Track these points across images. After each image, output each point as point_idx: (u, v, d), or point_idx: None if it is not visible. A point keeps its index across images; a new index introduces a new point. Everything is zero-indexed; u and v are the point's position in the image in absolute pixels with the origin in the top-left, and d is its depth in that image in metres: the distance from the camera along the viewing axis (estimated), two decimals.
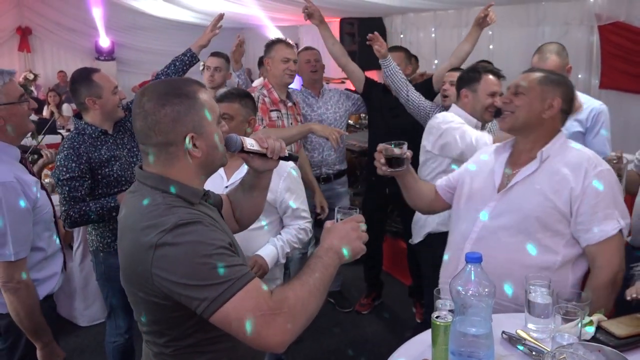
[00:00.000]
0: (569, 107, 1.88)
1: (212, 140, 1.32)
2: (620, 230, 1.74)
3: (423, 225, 2.66)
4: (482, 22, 3.22)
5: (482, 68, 2.64)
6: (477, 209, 1.92)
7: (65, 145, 2.41)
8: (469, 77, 2.63)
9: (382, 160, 1.89)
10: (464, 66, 3.27)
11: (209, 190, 1.44)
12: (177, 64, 2.91)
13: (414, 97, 3.22)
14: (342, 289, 4.01)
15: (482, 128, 2.73)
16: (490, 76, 2.59)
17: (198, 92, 1.31)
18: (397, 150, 1.87)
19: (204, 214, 1.28)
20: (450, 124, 2.53)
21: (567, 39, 5.09)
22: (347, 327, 3.66)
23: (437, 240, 2.55)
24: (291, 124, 3.23)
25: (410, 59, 3.88)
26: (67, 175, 2.34)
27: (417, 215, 2.67)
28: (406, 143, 1.90)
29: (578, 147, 1.88)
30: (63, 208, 2.37)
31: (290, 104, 3.30)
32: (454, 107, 2.69)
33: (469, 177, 2.04)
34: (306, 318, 1.22)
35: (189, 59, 2.93)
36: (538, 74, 1.89)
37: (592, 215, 1.73)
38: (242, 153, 1.47)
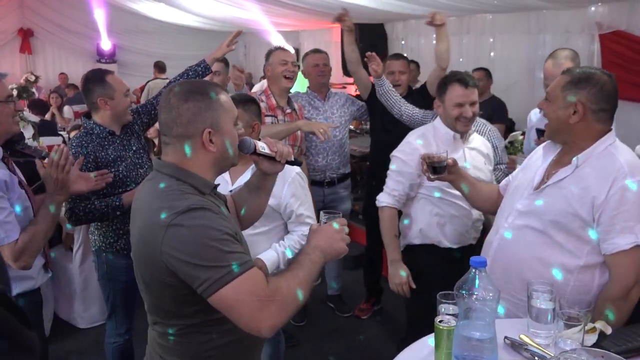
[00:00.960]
0: (603, 105, 1.75)
1: (227, 138, 1.42)
2: (639, 246, 1.65)
3: (403, 236, 2.63)
4: (435, 24, 3.33)
5: (450, 77, 2.50)
6: (512, 206, 1.93)
7: (74, 144, 2.46)
8: (439, 86, 2.54)
9: (425, 167, 2.10)
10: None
11: (218, 184, 1.51)
12: (190, 73, 2.93)
13: (406, 111, 3.23)
14: (341, 293, 4.00)
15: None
16: (457, 85, 2.43)
17: (219, 94, 1.43)
18: (437, 158, 2.09)
19: (213, 204, 1.38)
20: (397, 151, 2.57)
21: (568, 47, 5.10)
22: (346, 332, 3.66)
23: (415, 253, 2.56)
24: None
25: (409, 65, 3.86)
26: (74, 172, 2.35)
27: (400, 223, 2.66)
28: (447, 150, 2.18)
29: (621, 152, 1.76)
30: (68, 205, 2.39)
31: (289, 110, 3.29)
32: (437, 117, 2.61)
33: (521, 172, 2.06)
34: (294, 308, 1.33)
35: (202, 69, 2.96)
36: (564, 78, 1.80)
37: (610, 226, 1.68)
38: (253, 155, 1.57)
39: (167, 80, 7.00)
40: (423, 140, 2.51)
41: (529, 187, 1.90)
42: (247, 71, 10.21)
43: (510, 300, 1.85)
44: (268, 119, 3.18)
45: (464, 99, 2.43)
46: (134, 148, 2.60)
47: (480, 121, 3.18)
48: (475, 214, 2.53)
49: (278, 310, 1.28)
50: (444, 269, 2.42)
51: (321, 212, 1.56)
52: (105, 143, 2.48)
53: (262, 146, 1.55)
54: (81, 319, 3.69)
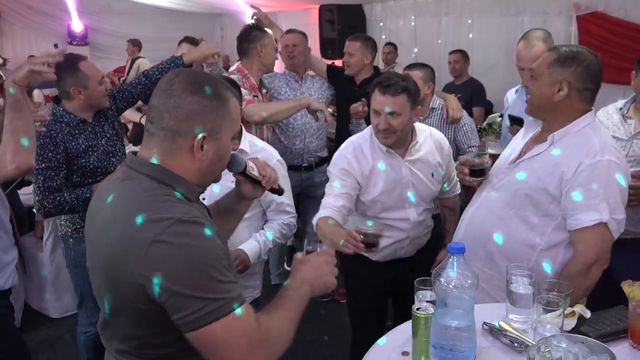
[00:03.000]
0: (588, 84, 1.76)
1: (221, 151, 1.23)
2: (604, 224, 1.68)
3: None
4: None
5: (377, 79, 2.15)
6: (490, 179, 1.96)
7: (42, 133, 2.31)
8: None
9: (466, 171, 1.97)
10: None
11: (202, 191, 1.33)
12: (165, 65, 2.74)
13: None
14: None
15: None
16: (376, 90, 2.10)
17: (231, 100, 1.23)
18: (477, 161, 1.97)
19: (202, 216, 1.19)
20: (332, 165, 2.27)
21: (546, 28, 5.08)
22: (326, 316, 3.64)
23: (347, 258, 2.39)
24: None
25: (367, 49, 3.60)
26: (43, 164, 2.28)
27: None
28: (487, 154, 2.04)
29: (598, 133, 1.77)
30: (37, 198, 2.31)
31: (264, 90, 3.27)
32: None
33: (505, 150, 2.07)
34: (282, 351, 1.19)
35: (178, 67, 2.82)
36: (551, 55, 1.78)
37: (577, 203, 1.70)
38: (239, 175, 1.41)
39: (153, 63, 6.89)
40: (357, 154, 2.22)
41: (506, 162, 1.93)
42: (224, 54, 10.05)
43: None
44: (256, 100, 3.11)
45: (379, 106, 2.09)
46: (107, 135, 2.50)
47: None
48: (413, 234, 2.30)
49: (267, 357, 1.14)
50: (375, 277, 2.34)
51: (305, 241, 1.47)
52: (76, 132, 2.38)
53: (252, 167, 1.40)
54: (53, 309, 3.60)
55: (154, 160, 1.18)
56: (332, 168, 2.25)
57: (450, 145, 3.01)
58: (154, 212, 1.09)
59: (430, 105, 3.02)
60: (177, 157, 1.18)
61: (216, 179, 1.29)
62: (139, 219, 1.08)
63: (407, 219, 2.24)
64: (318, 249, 1.40)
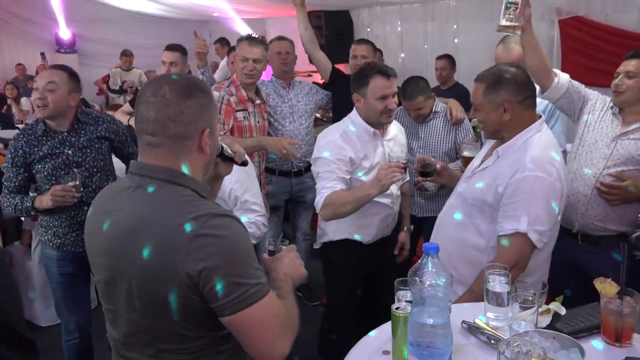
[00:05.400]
0: (525, 93, 1.90)
1: (215, 139, 1.34)
2: (523, 234, 1.80)
3: (322, 234, 2.58)
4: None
5: (370, 70, 2.39)
6: (457, 186, 2.11)
7: (14, 136, 2.48)
8: (357, 80, 2.41)
9: (415, 170, 2.23)
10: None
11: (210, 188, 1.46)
12: None
13: None
14: (309, 282, 3.99)
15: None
16: (379, 78, 2.33)
17: (212, 92, 1.34)
18: (427, 162, 2.27)
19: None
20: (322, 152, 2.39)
21: None
22: (315, 320, 3.64)
23: (333, 248, 2.53)
24: (258, 122, 3.21)
25: (376, 52, 3.85)
26: (5, 163, 2.42)
27: (320, 221, 2.57)
28: (434, 157, 2.32)
29: (535, 146, 1.88)
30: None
31: (258, 101, 3.24)
32: (354, 111, 2.49)
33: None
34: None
35: None
36: (480, 87, 1.93)
37: (504, 212, 1.86)
38: (218, 157, 1.54)
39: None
40: (345, 138, 2.38)
41: (469, 170, 2.08)
42: (212, 60, 10.10)
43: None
44: (239, 114, 3.11)
45: (388, 90, 2.34)
46: (78, 146, 2.43)
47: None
48: (395, 209, 2.55)
49: (291, 337, 1.24)
50: (360, 262, 2.49)
51: (267, 242, 1.60)
52: (44, 139, 2.41)
53: (225, 148, 1.55)
54: (42, 317, 3.60)
55: (166, 166, 1.23)
56: (326, 154, 2.34)
57: (451, 145, 3.09)
58: (188, 211, 1.16)
59: (434, 109, 3.14)
60: (187, 158, 1.25)
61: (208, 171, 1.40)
62: (178, 221, 1.14)
63: (391, 194, 2.43)
64: (282, 247, 1.52)
